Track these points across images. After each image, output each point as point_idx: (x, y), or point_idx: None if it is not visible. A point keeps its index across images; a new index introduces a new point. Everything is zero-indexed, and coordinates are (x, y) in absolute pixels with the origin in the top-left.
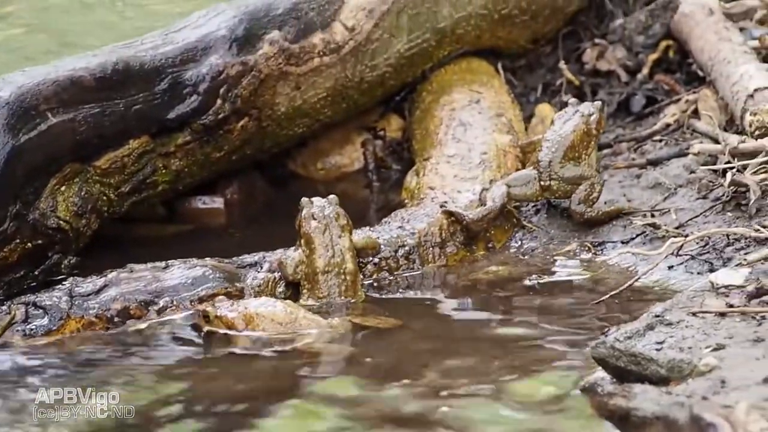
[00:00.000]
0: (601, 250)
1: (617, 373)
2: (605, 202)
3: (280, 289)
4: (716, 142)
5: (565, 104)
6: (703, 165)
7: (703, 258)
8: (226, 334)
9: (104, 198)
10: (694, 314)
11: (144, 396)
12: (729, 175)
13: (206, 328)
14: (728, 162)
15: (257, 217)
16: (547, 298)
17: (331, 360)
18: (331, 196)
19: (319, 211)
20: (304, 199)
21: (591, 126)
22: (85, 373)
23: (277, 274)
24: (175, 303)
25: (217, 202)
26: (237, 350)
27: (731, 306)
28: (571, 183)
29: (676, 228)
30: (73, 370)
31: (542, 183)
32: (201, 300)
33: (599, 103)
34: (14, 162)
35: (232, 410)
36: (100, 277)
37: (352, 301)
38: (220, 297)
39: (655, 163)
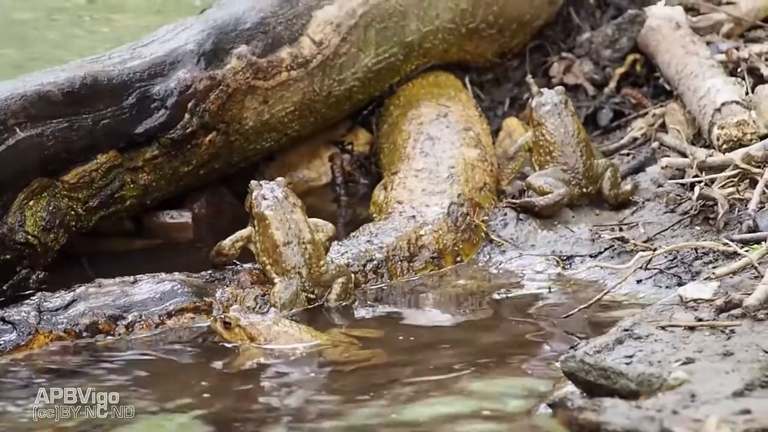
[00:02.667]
0: (570, 263)
1: (587, 387)
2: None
3: (249, 303)
4: (684, 155)
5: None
6: (671, 179)
7: (672, 272)
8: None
9: (72, 212)
10: (663, 328)
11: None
12: (697, 188)
13: (226, 337)
14: (696, 176)
15: (225, 232)
16: (515, 311)
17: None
18: (279, 179)
19: (268, 191)
20: (253, 182)
21: (573, 110)
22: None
23: (246, 290)
24: (143, 318)
25: (185, 217)
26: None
27: (700, 320)
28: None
29: (645, 242)
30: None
31: (584, 190)
32: (170, 315)
33: (561, 87)
34: None
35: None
36: (69, 292)
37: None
38: (235, 306)
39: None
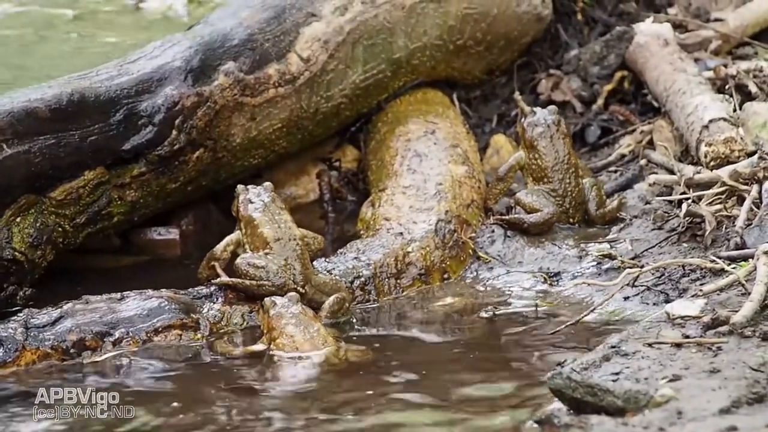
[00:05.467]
0: (557, 280)
1: (574, 405)
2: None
3: (236, 320)
4: (671, 172)
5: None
6: (658, 196)
7: (659, 289)
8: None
9: (59, 229)
10: (650, 345)
11: None
12: (684, 205)
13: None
14: (684, 193)
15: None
16: (503, 328)
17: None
18: (266, 183)
19: (255, 195)
20: (240, 186)
21: (565, 130)
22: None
23: (234, 306)
24: (130, 334)
25: (173, 233)
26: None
27: (687, 337)
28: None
29: (632, 259)
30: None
31: (571, 220)
32: (157, 331)
33: (554, 107)
34: None
35: None
36: (56, 309)
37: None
38: (291, 294)
39: (610, 193)
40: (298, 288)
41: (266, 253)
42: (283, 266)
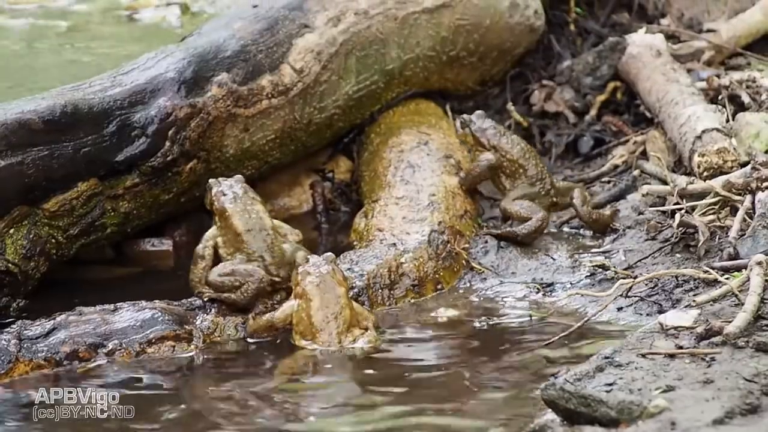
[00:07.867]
0: (551, 291)
1: (567, 415)
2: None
3: (229, 332)
4: (665, 183)
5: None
6: (651, 206)
7: (652, 299)
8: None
9: (53, 240)
10: (643, 356)
11: None
12: (678, 216)
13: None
14: (677, 203)
15: None
16: (496, 339)
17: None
18: (237, 176)
19: (227, 187)
20: (212, 180)
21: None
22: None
23: (227, 318)
24: (124, 346)
25: (166, 244)
26: None
27: (680, 347)
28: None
29: (625, 269)
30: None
31: (554, 199)
32: (150, 343)
33: (481, 111)
34: None
35: None
36: (49, 320)
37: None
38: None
39: (603, 204)
40: (273, 278)
41: (236, 249)
42: (251, 261)
